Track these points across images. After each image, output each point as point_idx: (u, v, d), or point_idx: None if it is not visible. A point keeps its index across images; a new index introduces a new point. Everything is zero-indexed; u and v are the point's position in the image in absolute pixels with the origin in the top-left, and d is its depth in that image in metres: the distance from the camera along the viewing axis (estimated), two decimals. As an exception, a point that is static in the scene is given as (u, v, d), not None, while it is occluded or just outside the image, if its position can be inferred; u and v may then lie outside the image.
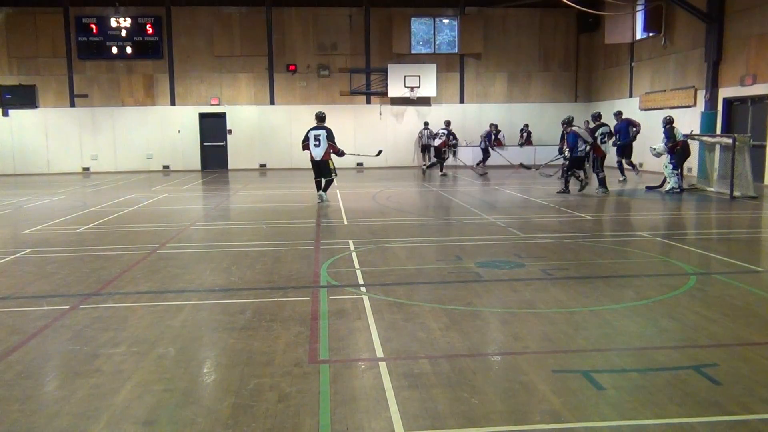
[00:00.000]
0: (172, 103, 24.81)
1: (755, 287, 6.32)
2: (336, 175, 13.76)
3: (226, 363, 4.41)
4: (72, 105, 24.47)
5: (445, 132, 21.03)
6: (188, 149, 25.01)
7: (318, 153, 13.22)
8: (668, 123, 15.01)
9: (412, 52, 25.28)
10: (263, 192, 17.07)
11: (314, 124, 13.52)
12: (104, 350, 4.64)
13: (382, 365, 4.28)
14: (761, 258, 8.24)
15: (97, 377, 4.14)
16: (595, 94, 25.81)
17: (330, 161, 13.42)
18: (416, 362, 4.35)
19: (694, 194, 14.79)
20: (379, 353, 4.54)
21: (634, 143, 20.02)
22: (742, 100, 17.51)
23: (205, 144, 25.13)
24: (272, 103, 25.05)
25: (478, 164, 22.96)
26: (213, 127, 25.02)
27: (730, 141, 14.07)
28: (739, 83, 17.28)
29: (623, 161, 18.51)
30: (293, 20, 24.81)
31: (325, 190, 13.50)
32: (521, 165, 18.99)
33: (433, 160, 21.89)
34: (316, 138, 13.21)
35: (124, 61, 24.41)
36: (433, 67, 24.81)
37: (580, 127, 16.02)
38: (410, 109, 25.59)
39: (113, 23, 23.76)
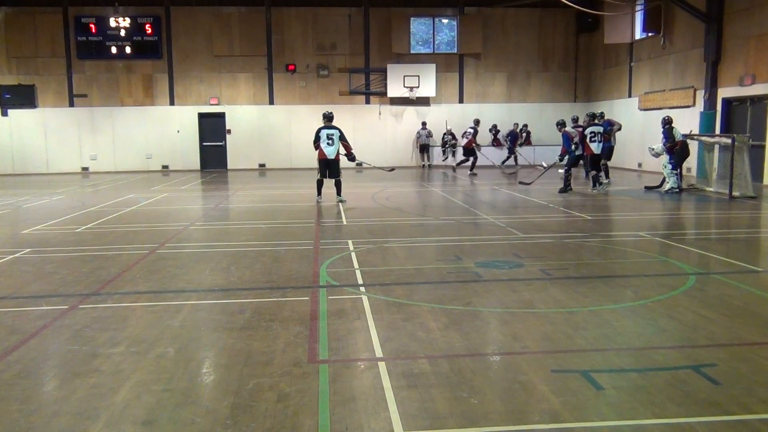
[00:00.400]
0: (172, 103, 24.80)
1: (754, 287, 6.32)
2: (341, 175, 13.81)
3: (226, 363, 4.41)
4: (71, 105, 24.45)
5: (473, 131, 21.02)
6: (187, 149, 25.00)
7: (332, 152, 13.23)
8: (667, 123, 15.02)
9: (412, 52, 25.28)
10: (262, 192, 17.07)
11: (321, 124, 13.53)
12: (103, 350, 4.64)
13: (382, 365, 4.28)
14: (760, 258, 8.24)
15: (96, 377, 4.14)
16: (595, 94, 25.81)
17: (339, 161, 13.47)
18: (415, 362, 4.35)
19: (693, 194, 14.80)
20: (379, 353, 4.54)
21: (633, 143, 20.05)
22: (741, 100, 17.52)
23: (205, 144, 25.12)
24: (271, 103, 25.04)
25: (503, 163, 22.91)
26: (212, 127, 25.01)
27: (729, 141, 14.08)
28: (738, 83, 17.28)
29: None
30: (292, 20, 24.80)
31: (339, 192, 13.57)
32: (541, 166, 18.98)
33: (462, 158, 21.74)
34: (329, 137, 13.22)
35: (123, 60, 24.40)
36: (433, 67, 24.81)
37: (572, 128, 16.41)
38: (409, 109, 25.59)
39: (112, 23, 23.73)
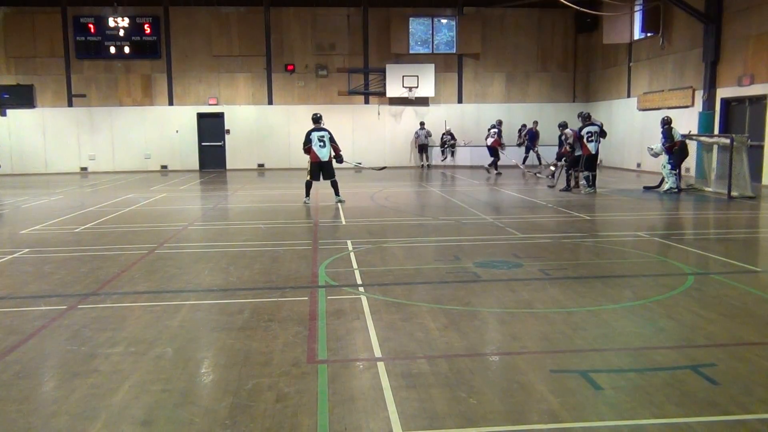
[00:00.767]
0: (170, 103, 24.79)
1: (753, 287, 6.33)
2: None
3: (224, 363, 4.41)
4: (70, 105, 24.44)
5: (497, 131, 20.96)
6: (186, 149, 24.99)
7: (324, 154, 13.14)
8: (666, 123, 15.03)
9: (411, 52, 25.29)
10: (261, 192, 17.06)
11: (311, 126, 13.44)
12: (102, 350, 4.64)
13: (381, 365, 4.28)
14: (759, 258, 8.25)
15: (95, 377, 4.14)
16: (593, 94, 25.83)
17: (332, 162, 13.43)
18: (414, 362, 4.35)
19: (691, 194, 14.81)
20: (378, 353, 4.54)
21: (632, 143, 20.06)
22: (740, 100, 17.54)
23: (204, 144, 25.12)
24: (270, 103, 25.04)
25: (524, 163, 22.64)
26: (211, 127, 25.01)
27: (727, 141, 14.09)
28: (736, 83, 17.30)
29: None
30: (291, 20, 24.80)
31: (338, 192, 13.49)
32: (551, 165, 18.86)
33: (492, 159, 21.57)
34: (321, 139, 13.09)
35: (122, 60, 24.39)
36: (432, 67, 24.82)
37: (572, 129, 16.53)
38: (408, 109, 25.59)
39: (111, 23, 23.69)
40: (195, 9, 24.39)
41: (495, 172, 21.09)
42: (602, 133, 15.56)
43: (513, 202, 13.80)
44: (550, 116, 24.39)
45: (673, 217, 12.04)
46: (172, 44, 24.50)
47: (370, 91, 25.27)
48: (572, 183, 15.75)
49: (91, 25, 23.97)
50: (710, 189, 14.85)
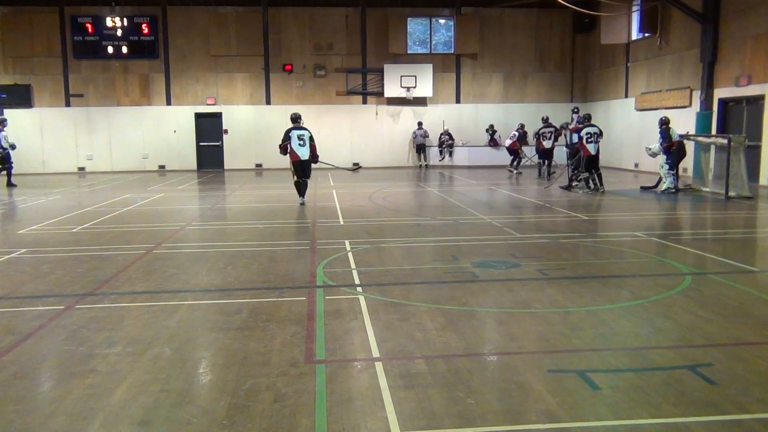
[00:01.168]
0: (168, 103, 24.76)
1: (750, 287, 6.34)
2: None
3: (222, 363, 4.41)
4: (67, 105, 24.40)
5: (518, 133, 20.92)
6: (184, 149, 24.97)
7: (305, 153, 12.94)
8: (664, 123, 15.06)
9: (409, 52, 25.28)
10: (259, 192, 17.05)
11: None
12: (100, 350, 4.63)
13: (378, 365, 4.28)
14: (756, 258, 8.27)
15: (93, 377, 4.14)
16: (591, 94, 25.86)
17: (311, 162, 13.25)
18: (412, 362, 4.35)
19: (689, 194, 14.83)
20: (375, 353, 4.54)
21: (630, 143, 20.06)
22: (738, 100, 17.56)
23: (201, 144, 25.10)
24: (268, 103, 25.02)
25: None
26: (209, 127, 24.98)
27: (725, 141, 14.11)
28: (734, 84, 17.32)
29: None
30: (289, 20, 24.79)
31: (303, 194, 13.27)
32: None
33: (512, 159, 21.42)
34: (301, 138, 12.90)
35: (119, 60, 24.35)
36: (430, 67, 24.82)
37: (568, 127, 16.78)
38: (406, 109, 25.59)
39: (109, 23, 23.69)
40: (193, 9, 24.37)
41: (516, 171, 20.94)
42: (600, 135, 15.61)
43: (511, 202, 13.80)
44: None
45: (671, 217, 12.06)
46: (170, 44, 24.47)
47: (368, 91, 25.26)
48: (573, 182, 15.74)
49: (88, 25, 23.93)
50: (708, 189, 14.88)
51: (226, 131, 24.99)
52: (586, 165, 15.29)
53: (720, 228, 10.74)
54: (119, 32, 23.83)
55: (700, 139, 15.84)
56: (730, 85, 17.50)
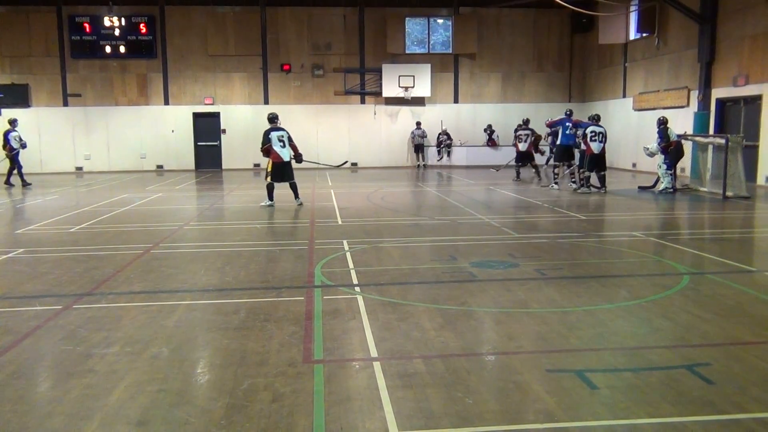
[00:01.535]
0: (166, 103, 24.75)
1: (748, 287, 6.35)
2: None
3: (220, 363, 4.40)
4: (65, 104, 24.37)
5: (528, 132, 19.46)
6: (182, 149, 24.95)
7: (286, 154, 12.79)
8: (662, 123, 15.07)
9: (407, 52, 25.29)
10: (257, 192, 17.00)
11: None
12: (97, 350, 4.63)
13: (377, 365, 4.28)
14: (754, 258, 8.28)
15: (91, 377, 4.13)
16: (589, 94, 25.88)
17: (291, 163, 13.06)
18: (410, 362, 4.35)
19: (687, 194, 14.85)
20: (374, 353, 4.54)
21: (628, 143, 20.05)
22: (735, 100, 17.59)
23: (199, 144, 25.08)
24: (266, 102, 24.99)
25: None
26: (207, 127, 24.96)
27: (722, 141, 14.13)
28: (731, 84, 17.35)
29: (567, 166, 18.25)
30: (287, 20, 24.78)
31: (297, 194, 13.12)
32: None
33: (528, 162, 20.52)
34: (280, 139, 12.69)
35: (117, 60, 24.33)
36: (428, 67, 24.83)
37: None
38: (404, 109, 25.60)
39: (106, 22, 23.66)
40: (191, 8, 24.35)
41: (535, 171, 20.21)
42: (604, 135, 15.66)
43: (509, 202, 13.81)
44: (546, 116, 24.35)
45: (669, 217, 12.07)
46: (168, 44, 24.45)
47: (366, 91, 25.26)
48: (583, 182, 15.70)
49: (86, 25, 23.90)
50: (705, 189, 14.90)
51: (224, 131, 24.97)
52: (589, 164, 15.31)
53: (718, 228, 10.76)
54: (117, 32, 23.81)
55: (697, 139, 15.87)
56: (727, 85, 17.53)
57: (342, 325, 5.17)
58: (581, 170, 15.77)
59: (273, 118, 13.11)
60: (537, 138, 19.36)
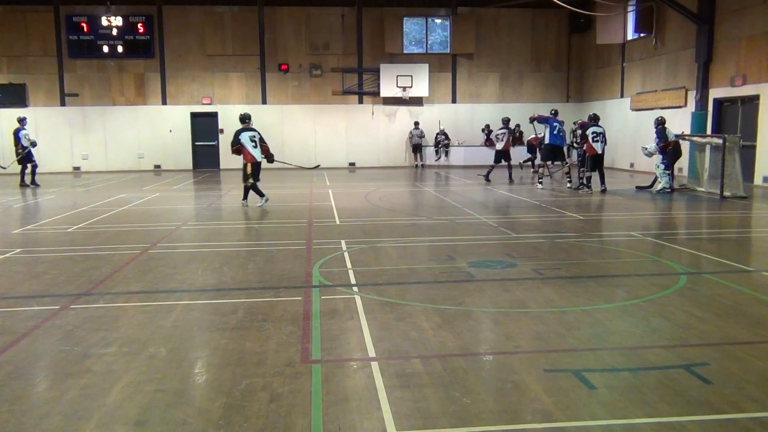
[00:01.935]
0: (164, 103, 24.72)
1: (745, 286, 6.36)
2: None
3: (218, 363, 4.40)
4: (62, 104, 24.33)
5: (505, 131, 19.02)
6: (180, 149, 24.92)
7: (258, 154, 12.77)
8: (660, 123, 15.10)
9: (405, 52, 25.29)
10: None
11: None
12: (95, 350, 4.62)
13: (374, 365, 4.28)
14: (751, 257, 8.29)
15: (88, 377, 4.12)
16: (587, 94, 25.90)
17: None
18: (408, 362, 4.35)
19: (684, 194, 14.87)
20: (371, 353, 4.53)
21: (626, 143, 20.02)
22: (733, 100, 17.62)
23: (197, 143, 25.05)
24: (264, 102, 24.98)
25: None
26: (205, 127, 24.93)
27: (720, 141, 14.16)
28: (729, 84, 17.38)
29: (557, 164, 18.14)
30: (285, 20, 24.76)
31: (246, 196, 13.08)
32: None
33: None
34: (252, 139, 12.69)
35: (115, 60, 24.29)
36: (426, 67, 24.83)
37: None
38: (402, 109, 25.60)
39: (104, 22, 23.64)
40: (188, 8, 24.32)
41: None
42: (604, 135, 15.72)
43: (507, 202, 13.81)
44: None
45: (666, 217, 12.09)
46: (166, 43, 24.42)
47: (364, 90, 25.25)
48: (584, 181, 15.71)
49: (83, 24, 23.86)
50: (703, 189, 14.92)
51: (221, 131, 24.93)
52: (591, 164, 15.37)
53: (715, 228, 10.77)
54: (114, 31, 23.79)
55: (695, 139, 15.89)
56: (725, 85, 17.56)
57: (340, 325, 5.17)
58: (581, 170, 15.83)
59: (244, 119, 13.08)
60: (515, 137, 19.34)
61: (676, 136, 15.58)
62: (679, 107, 19.37)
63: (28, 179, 18.38)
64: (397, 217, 11.69)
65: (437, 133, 25.37)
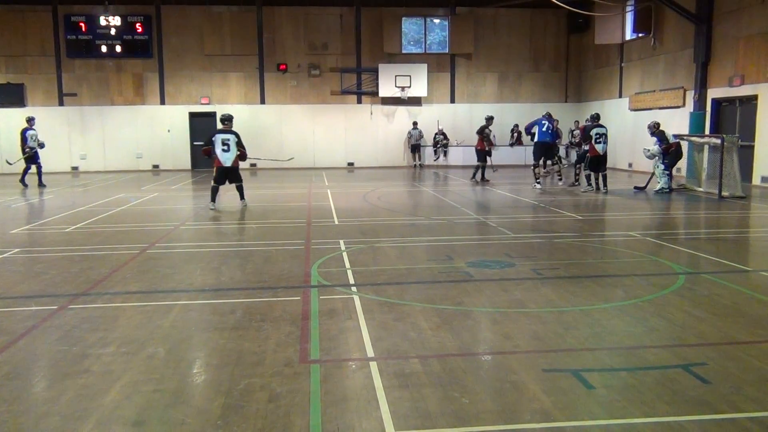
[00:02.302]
0: (162, 103, 24.70)
1: (743, 286, 6.36)
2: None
3: (216, 363, 4.39)
4: (61, 104, 24.31)
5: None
6: (178, 149, 24.91)
7: (227, 159, 12.40)
8: (656, 127, 15.13)
9: (403, 51, 25.30)
10: (253, 192, 16.99)
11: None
12: (93, 350, 4.61)
13: (373, 365, 4.28)
14: (749, 257, 8.30)
15: (86, 378, 4.12)
16: (585, 94, 25.92)
17: (238, 167, 12.77)
18: (407, 362, 4.35)
19: (682, 194, 14.89)
20: (370, 353, 4.53)
21: (624, 144, 19.98)
22: (731, 100, 17.64)
23: (196, 143, 24.96)
24: (263, 102, 24.98)
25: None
26: (203, 127, 24.83)
27: (718, 141, 14.17)
28: (727, 84, 17.40)
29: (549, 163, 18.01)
30: (284, 19, 24.76)
31: (243, 195, 12.97)
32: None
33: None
34: (225, 143, 12.37)
35: (113, 59, 24.28)
36: (424, 67, 24.84)
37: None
38: (401, 109, 25.60)
39: (102, 22, 23.63)
40: (187, 8, 24.31)
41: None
42: (606, 136, 15.72)
43: (505, 202, 13.82)
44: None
45: (665, 217, 12.10)
46: (164, 43, 24.41)
47: (363, 90, 25.26)
48: (590, 182, 15.71)
49: (82, 24, 23.85)
50: (701, 189, 14.94)
51: (220, 131, 24.91)
52: (590, 164, 15.38)
53: (713, 228, 10.79)
54: (113, 31, 23.78)
55: (693, 139, 15.91)
56: (723, 85, 17.58)
57: (338, 325, 5.16)
58: (577, 166, 15.86)
59: (224, 120, 12.79)
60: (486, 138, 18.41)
61: (675, 136, 15.60)
62: (678, 107, 19.39)
63: (29, 180, 18.32)
64: (395, 217, 11.69)
65: (436, 133, 25.37)
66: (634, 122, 21.91)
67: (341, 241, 8.91)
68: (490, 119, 18.59)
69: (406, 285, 6.53)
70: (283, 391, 3.87)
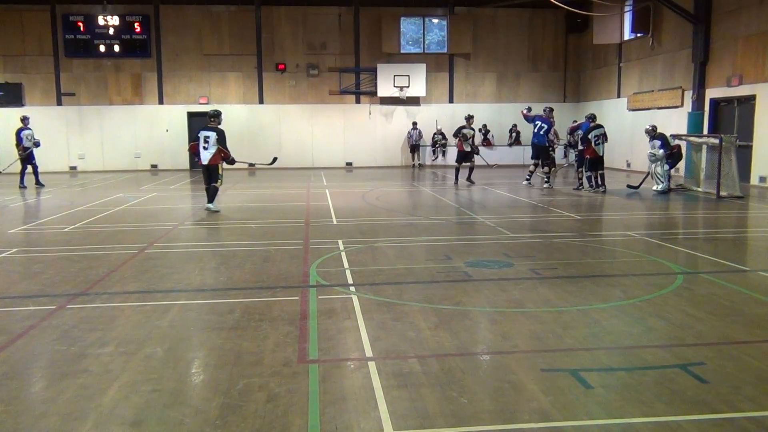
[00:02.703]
0: (161, 102, 24.68)
1: (741, 286, 6.37)
2: (221, 183, 12.29)
3: (215, 363, 4.39)
4: (59, 103, 24.28)
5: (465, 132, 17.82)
6: (176, 148, 24.86)
7: (205, 157, 11.82)
8: (654, 130, 15.14)
9: (402, 51, 25.30)
10: (252, 191, 17.01)
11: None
12: (91, 350, 4.61)
13: (372, 365, 4.28)
14: (747, 257, 8.31)
15: (85, 378, 4.11)
16: (584, 94, 25.94)
17: (219, 166, 11.98)
18: (405, 362, 4.35)
19: (681, 194, 14.90)
20: (369, 353, 4.53)
21: (622, 143, 19.95)
22: (729, 100, 17.65)
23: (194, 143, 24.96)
24: (261, 102, 24.97)
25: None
26: (202, 127, 24.80)
27: (716, 141, 14.19)
28: (725, 84, 17.41)
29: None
30: (282, 19, 24.75)
31: (211, 200, 12.04)
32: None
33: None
34: (206, 140, 11.81)
35: (111, 59, 24.26)
36: (423, 66, 24.84)
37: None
38: (399, 109, 25.61)
39: (101, 21, 23.60)
40: (185, 7, 24.29)
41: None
42: (605, 137, 15.73)
43: (503, 202, 13.82)
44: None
45: (663, 217, 12.11)
46: (163, 43, 24.38)
47: (361, 90, 25.25)
48: (592, 183, 15.72)
49: (80, 24, 23.83)
50: (699, 189, 14.96)
51: (219, 131, 24.89)
52: (589, 165, 15.41)
53: (711, 227, 10.80)
54: (111, 31, 23.76)
55: (691, 139, 15.93)
56: (721, 85, 17.59)
57: (337, 324, 5.16)
58: (579, 170, 15.88)
59: (210, 116, 12.32)
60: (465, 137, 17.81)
61: (673, 136, 15.63)
62: (676, 107, 19.40)
63: (27, 180, 18.22)
64: (394, 217, 11.69)
65: (434, 133, 25.37)
66: (632, 122, 21.93)
67: (340, 241, 8.91)
68: (469, 118, 17.96)
69: (405, 285, 6.53)
70: (281, 391, 3.87)
